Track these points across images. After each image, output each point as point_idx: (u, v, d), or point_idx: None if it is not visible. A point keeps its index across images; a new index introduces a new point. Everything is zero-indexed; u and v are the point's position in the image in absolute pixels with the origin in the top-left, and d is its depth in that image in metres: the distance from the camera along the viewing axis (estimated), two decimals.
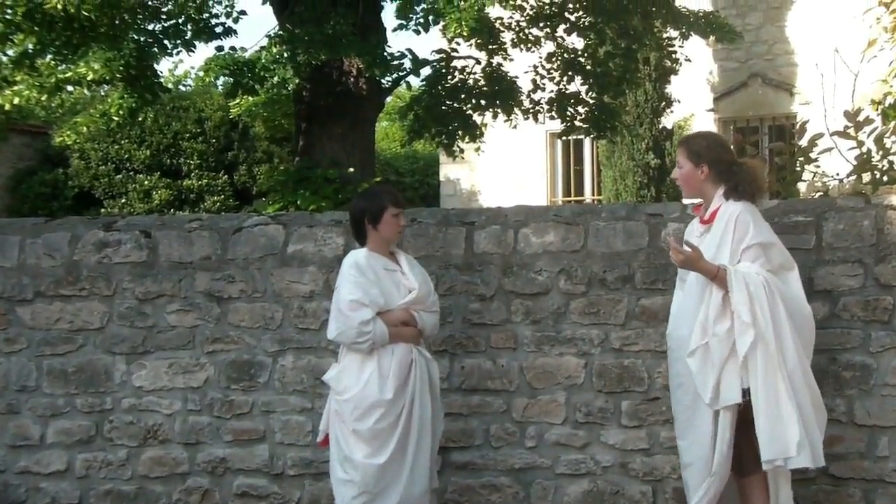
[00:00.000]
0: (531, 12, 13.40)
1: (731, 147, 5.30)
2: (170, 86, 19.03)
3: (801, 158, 6.71)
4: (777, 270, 4.82)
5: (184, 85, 23.57)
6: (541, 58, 13.72)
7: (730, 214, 4.86)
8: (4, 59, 12.94)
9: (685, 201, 5.32)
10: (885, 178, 6.37)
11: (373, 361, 5.07)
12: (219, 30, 12.06)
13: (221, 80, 11.32)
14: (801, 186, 7.06)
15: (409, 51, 11.95)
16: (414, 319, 5.15)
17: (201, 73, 11.78)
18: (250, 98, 15.68)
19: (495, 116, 13.35)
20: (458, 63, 13.15)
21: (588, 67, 13.56)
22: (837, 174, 6.82)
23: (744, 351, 4.70)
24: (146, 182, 19.45)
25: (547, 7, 13.37)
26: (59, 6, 10.63)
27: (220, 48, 11.65)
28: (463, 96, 13.05)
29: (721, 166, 4.97)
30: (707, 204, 5.00)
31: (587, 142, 18.42)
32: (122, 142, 19.65)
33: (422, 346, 5.23)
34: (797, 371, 4.73)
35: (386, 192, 5.34)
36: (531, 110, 13.62)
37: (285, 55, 10.87)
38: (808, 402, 4.75)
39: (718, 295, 4.76)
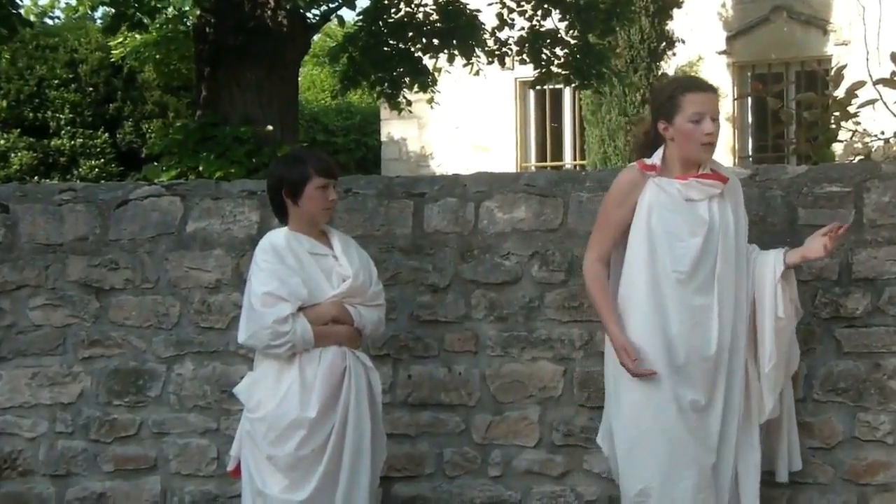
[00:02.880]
0: None
1: None
2: (32, 18, 18.85)
3: (837, 113, 6.76)
4: None
5: (51, 17, 23.39)
6: None
7: (736, 181, 5.16)
8: None
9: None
10: None
11: (293, 370, 5.05)
12: None
13: (100, 10, 11.22)
14: (837, 148, 7.12)
15: None
16: (349, 316, 5.14)
17: (73, 2, 11.65)
18: (138, 36, 15.55)
19: (451, 60, 13.36)
20: None
21: None
22: (882, 133, 6.88)
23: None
24: (2, 141, 19.28)
25: None
26: None
27: None
28: (411, 34, 13.05)
29: None
30: (691, 163, 5.02)
31: (567, 93, 18.47)
32: None
33: (360, 351, 5.23)
34: None
35: (310, 157, 5.30)
36: (497, 53, 13.64)
37: None
38: None
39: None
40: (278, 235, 5.17)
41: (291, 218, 5.19)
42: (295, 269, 5.07)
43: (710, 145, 4.94)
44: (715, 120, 4.95)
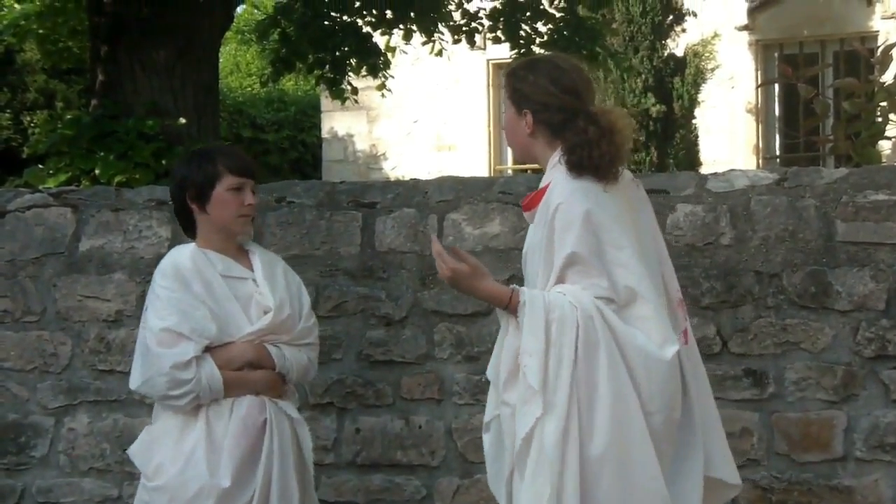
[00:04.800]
0: None
1: (587, 85, 4.87)
2: None
3: (885, 103, 6.81)
4: (625, 302, 4.44)
5: None
6: None
7: (553, 202, 4.51)
8: None
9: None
10: None
11: (198, 426, 4.99)
12: None
13: None
14: (885, 147, 7.17)
15: None
16: (269, 359, 5.10)
17: None
18: (17, 5, 15.55)
19: (408, 37, 13.38)
20: None
21: None
22: None
23: (522, 433, 4.38)
24: None
25: None
26: None
27: None
28: (358, 5, 13.06)
29: (555, 116, 4.69)
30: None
31: None
32: None
33: (288, 400, 5.19)
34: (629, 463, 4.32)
35: (219, 153, 5.22)
36: (464, 28, 13.66)
37: None
38: None
39: (514, 338, 4.48)
40: (182, 254, 5.11)
41: (200, 230, 5.14)
42: (202, 297, 5.01)
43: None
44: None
